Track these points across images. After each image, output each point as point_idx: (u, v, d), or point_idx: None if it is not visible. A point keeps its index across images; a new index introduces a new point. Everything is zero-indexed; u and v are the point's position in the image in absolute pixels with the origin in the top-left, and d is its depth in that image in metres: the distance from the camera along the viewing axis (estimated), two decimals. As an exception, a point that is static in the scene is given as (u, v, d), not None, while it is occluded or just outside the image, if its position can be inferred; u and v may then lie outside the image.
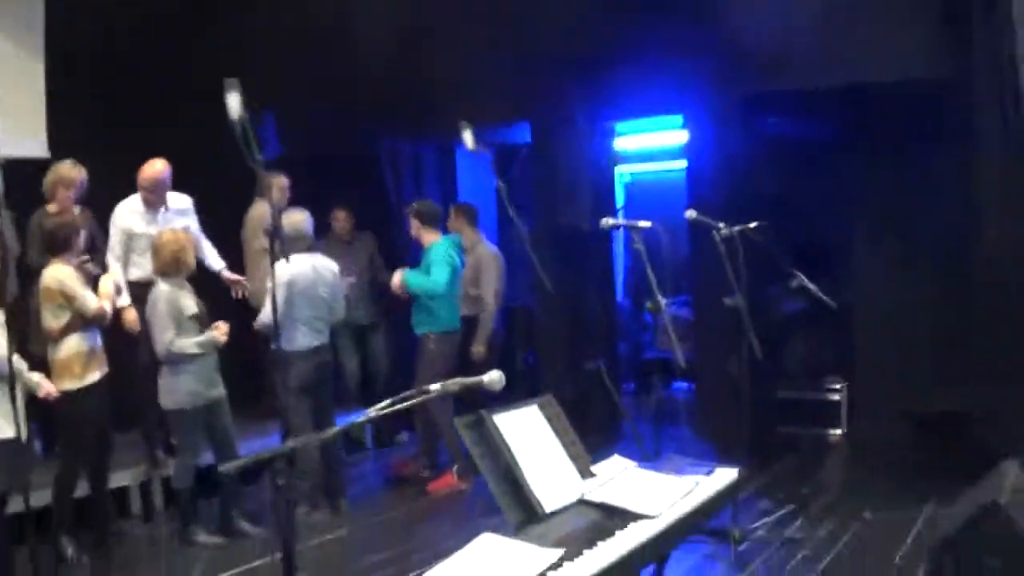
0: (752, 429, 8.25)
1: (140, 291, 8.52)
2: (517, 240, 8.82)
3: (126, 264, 8.95)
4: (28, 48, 9.89)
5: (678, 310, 12.55)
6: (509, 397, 5.17)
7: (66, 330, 7.53)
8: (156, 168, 8.87)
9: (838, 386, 10.60)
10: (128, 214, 8.96)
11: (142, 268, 8.80)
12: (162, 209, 9.03)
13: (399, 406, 4.03)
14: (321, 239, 10.29)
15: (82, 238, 7.83)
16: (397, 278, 9.39)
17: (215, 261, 9.44)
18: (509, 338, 10.95)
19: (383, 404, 4.01)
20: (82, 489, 8.05)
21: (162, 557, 8.07)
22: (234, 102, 6.36)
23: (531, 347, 11.47)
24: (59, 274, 7.54)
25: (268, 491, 6.04)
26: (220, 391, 8.18)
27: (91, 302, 7.55)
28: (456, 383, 4.18)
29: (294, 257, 8.28)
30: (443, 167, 12.80)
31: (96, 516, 8.12)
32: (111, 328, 8.33)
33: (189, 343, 7.89)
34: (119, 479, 8.76)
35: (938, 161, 9.58)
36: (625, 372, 12.33)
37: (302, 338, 8.63)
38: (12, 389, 6.19)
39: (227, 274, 9.45)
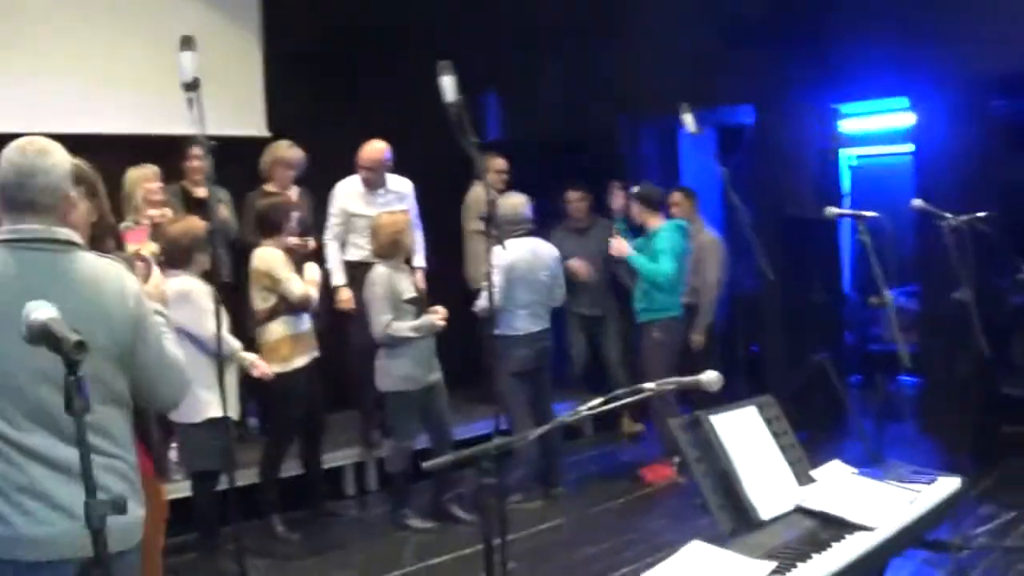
0: (978, 428, 7.97)
1: (357, 272, 8.66)
2: (739, 227, 8.61)
3: (343, 244, 9.06)
4: (246, 25, 10.10)
5: (905, 301, 12.18)
6: (731, 388, 5.04)
7: (272, 313, 7.67)
8: (377, 148, 8.93)
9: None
10: (347, 194, 9.07)
11: (360, 249, 8.88)
12: (381, 191, 9.06)
13: (612, 404, 3.96)
14: (555, 226, 10.31)
15: (294, 219, 7.92)
16: (622, 247, 9.16)
17: (419, 259, 9.22)
18: (732, 328, 10.72)
19: (596, 402, 3.94)
20: (296, 468, 8.20)
21: (373, 539, 8.14)
22: (449, 85, 6.34)
23: (754, 338, 11.22)
24: (268, 256, 7.69)
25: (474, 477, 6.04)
26: (437, 375, 8.21)
27: (296, 287, 7.64)
28: (672, 382, 4.08)
29: (511, 242, 8.21)
30: (664, 150, 12.61)
31: (307, 496, 8.28)
32: (327, 309, 8.45)
33: (405, 326, 7.93)
34: (333, 460, 8.90)
35: None
36: (851, 365, 12.01)
37: (521, 323, 8.58)
38: (220, 368, 6.25)
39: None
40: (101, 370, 3.49)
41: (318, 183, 9.26)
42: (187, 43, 5.85)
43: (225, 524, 6.87)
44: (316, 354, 7.96)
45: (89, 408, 2.72)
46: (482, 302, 8.40)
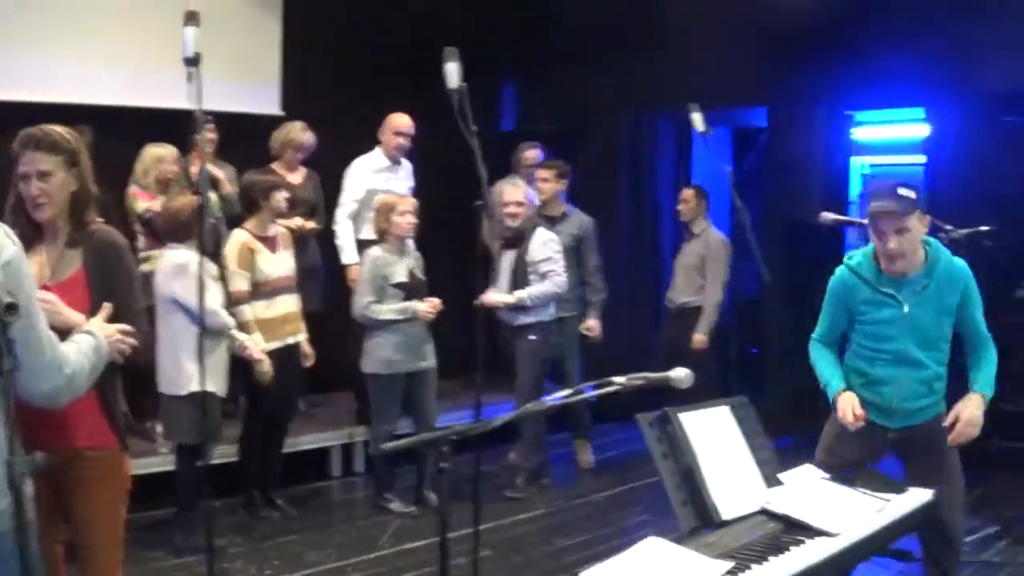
0: (972, 442, 7.92)
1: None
2: (737, 227, 8.61)
3: (359, 222, 9.08)
4: (268, 5, 10.08)
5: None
6: (726, 390, 5.06)
7: (239, 295, 7.61)
8: (406, 118, 9.13)
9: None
10: (367, 171, 9.16)
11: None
12: (399, 166, 9.27)
13: (577, 397, 3.99)
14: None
15: (280, 199, 7.88)
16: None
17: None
18: (731, 329, 10.70)
19: (564, 393, 3.99)
20: (290, 446, 8.24)
21: (354, 521, 8.18)
22: (452, 71, 6.31)
23: (754, 340, 11.20)
24: (233, 240, 7.73)
25: (471, 463, 6.05)
26: (426, 363, 8.20)
27: (236, 283, 7.58)
28: (641, 377, 4.05)
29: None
30: (680, 146, 12.59)
31: (292, 476, 8.31)
32: (337, 287, 8.43)
33: (385, 309, 7.95)
34: (321, 440, 9.01)
35: None
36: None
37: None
38: (201, 342, 6.24)
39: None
40: None
41: (326, 166, 9.28)
42: (191, 18, 5.85)
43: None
44: (294, 339, 7.91)
45: (13, 368, 2.75)
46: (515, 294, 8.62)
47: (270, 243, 7.78)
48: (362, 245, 8.86)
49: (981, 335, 5.36)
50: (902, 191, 5.11)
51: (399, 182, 9.21)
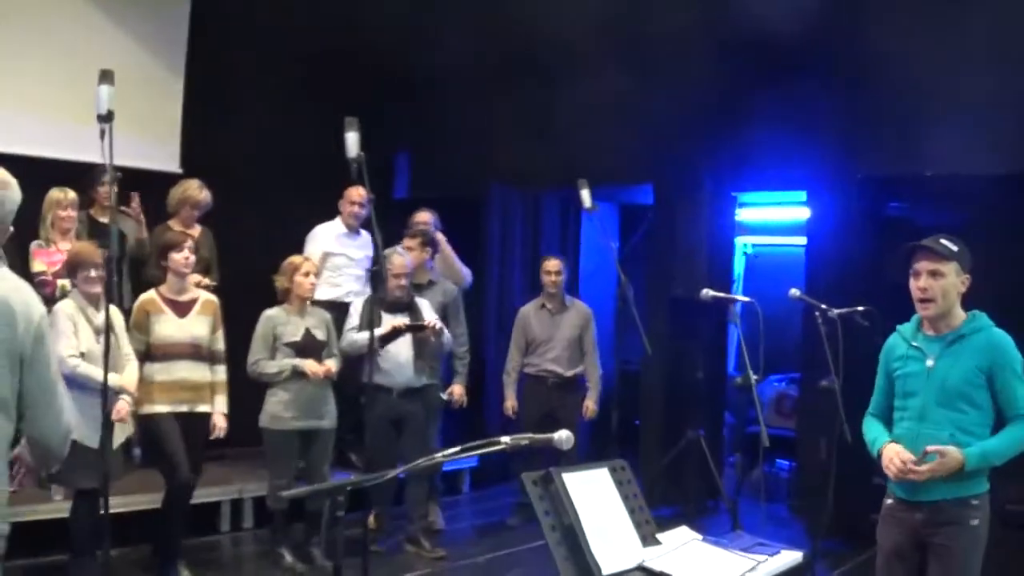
0: (844, 514, 8.18)
1: (331, 310, 8.99)
2: (620, 300, 8.84)
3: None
4: (170, 65, 10.29)
5: (787, 387, 12.46)
6: (606, 458, 5.22)
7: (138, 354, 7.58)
8: (361, 191, 9.33)
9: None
10: (326, 237, 9.73)
11: (334, 287, 9.69)
12: (355, 233, 9.81)
13: (467, 455, 4.14)
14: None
15: (175, 260, 7.74)
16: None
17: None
18: (614, 399, 10.91)
19: (453, 450, 4.12)
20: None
21: (247, 575, 8.27)
22: (352, 140, 6.51)
23: (636, 411, 11.43)
24: (140, 298, 7.78)
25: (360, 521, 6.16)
26: (319, 423, 8.26)
27: (132, 340, 7.54)
28: (526, 438, 4.21)
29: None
30: (565, 221, 12.85)
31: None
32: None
33: (271, 364, 8.07)
34: (211, 495, 9.00)
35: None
36: (730, 445, 12.25)
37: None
38: (104, 399, 6.32)
39: None
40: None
41: (222, 224, 9.44)
42: (106, 77, 6.06)
43: (100, 547, 6.90)
44: (189, 408, 7.70)
45: None
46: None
47: (181, 307, 7.73)
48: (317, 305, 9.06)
49: (1014, 410, 5.12)
50: (945, 240, 5.21)
51: (356, 249, 9.80)
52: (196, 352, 7.71)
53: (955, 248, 5.19)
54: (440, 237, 9.94)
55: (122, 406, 7.10)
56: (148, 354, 7.58)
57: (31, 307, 3.90)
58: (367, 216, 9.35)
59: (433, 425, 9.51)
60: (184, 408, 7.65)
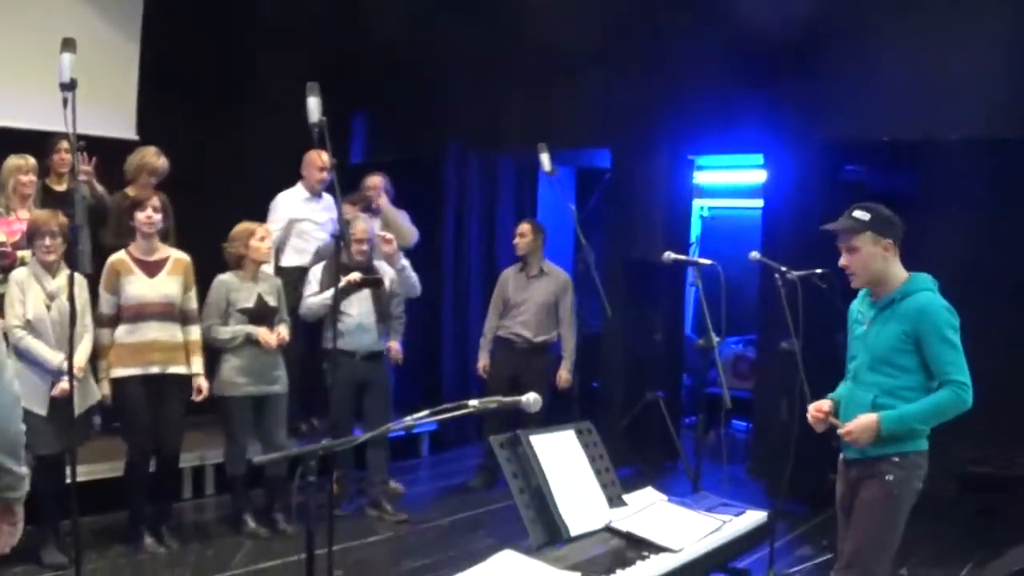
0: (803, 475, 8.24)
1: (295, 276, 9.20)
2: (580, 264, 8.84)
3: (280, 251, 9.51)
4: (127, 32, 10.22)
5: (743, 349, 12.55)
6: (566, 421, 5.27)
7: (101, 318, 7.55)
8: (325, 156, 9.24)
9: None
10: (290, 203, 9.67)
11: (300, 254, 9.62)
12: (320, 199, 9.78)
13: (438, 416, 4.16)
14: None
15: (139, 219, 7.69)
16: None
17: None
18: (575, 363, 10.94)
19: (422, 414, 4.14)
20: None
21: (207, 541, 8.17)
22: (314, 105, 6.47)
23: (595, 374, 11.46)
24: (110, 258, 7.67)
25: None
26: (271, 388, 8.24)
27: (101, 302, 7.54)
28: (494, 401, 4.24)
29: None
30: (521, 184, 12.88)
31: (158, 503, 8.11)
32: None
33: (224, 330, 8.04)
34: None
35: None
36: (688, 406, 12.31)
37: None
38: (70, 366, 6.32)
39: None
40: None
41: (175, 191, 9.39)
42: (68, 45, 6.03)
43: (66, 517, 6.92)
44: (161, 369, 7.63)
45: None
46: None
47: (151, 267, 7.66)
48: (282, 272, 9.21)
49: (940, 376, 5.13)
50: (856, 212, 5.31)
51: (320, 213, 9.74)
52: (168, 312, 7.65)
53: (866, 217, 5.28)
54: (383, 201, 9.97)
55: (64, 387, 6.89)
56: (118, 316, 7.53)
57: None
58: (330, 181, 9.36)
59: None
60: (155, 369, 7.58)
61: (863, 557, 5.33)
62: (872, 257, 5.28)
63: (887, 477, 5.23)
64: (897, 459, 5.23)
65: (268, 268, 8.67)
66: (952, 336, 5.15)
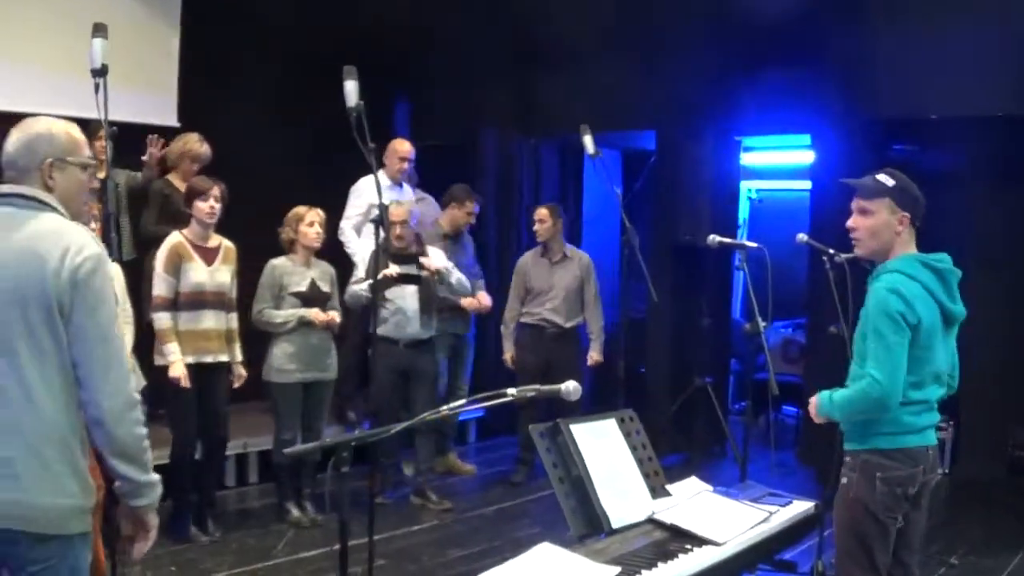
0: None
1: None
2: (625, 248, 8.72)
3: (362, 235, 9.50)
4: (167, 18, 10.15)
5: (793, 333, 12.39)
6: (612, 407, 5.17)
7: (157, 302, 7.50)
8: (408, 146, 9.77)
9: (943, 424, 10.18)
10: (372, 189, 9.33)
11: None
12: (399, 187, 9.82)
13: (473, 406, 4.08)
14: None
15: (198, 208, 7.66)
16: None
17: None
18: (620, 349, 10.84)
19: (458, 404, 4.05)
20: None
21: (250, 529, 8.15)
22: (351, 89, 6.39)
23: (641, 359, 11.35)
24: (169, 240, 7.59)
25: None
26: (320, 375, 8.22)
27: (160, 285, 7.46)
28: (532, 389, 4.14)
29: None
30: (566, 167, 12.79)
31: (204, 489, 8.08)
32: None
33: (277, 314, 8.00)
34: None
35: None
36: (737, 392, 12.20)
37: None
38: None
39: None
40: (30, 317, 3.45)
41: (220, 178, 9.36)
42: (99, 30, 5.97)
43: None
44: (214, 358, 7.63)
45: None
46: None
47: (208, 254, 7.62)
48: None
49: (861, 362, 4.81)
50: (881, 175, 4.95)
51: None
52: (221, 301, 7.65)
53: (889, 183, 4.91)
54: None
55: None
56: (175, 300, 7.47)
57: (70, 249, 3.50)
58: (410, 171, 9.77)
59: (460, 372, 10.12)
60: (209, 359, 7.59)
61: (838, 566, 4.99)
62: (884, 226, 4.90)
63: (843, 480, 4.92)
64: (848, 459, 4.92)
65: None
66: (883, 326, 4.72)
